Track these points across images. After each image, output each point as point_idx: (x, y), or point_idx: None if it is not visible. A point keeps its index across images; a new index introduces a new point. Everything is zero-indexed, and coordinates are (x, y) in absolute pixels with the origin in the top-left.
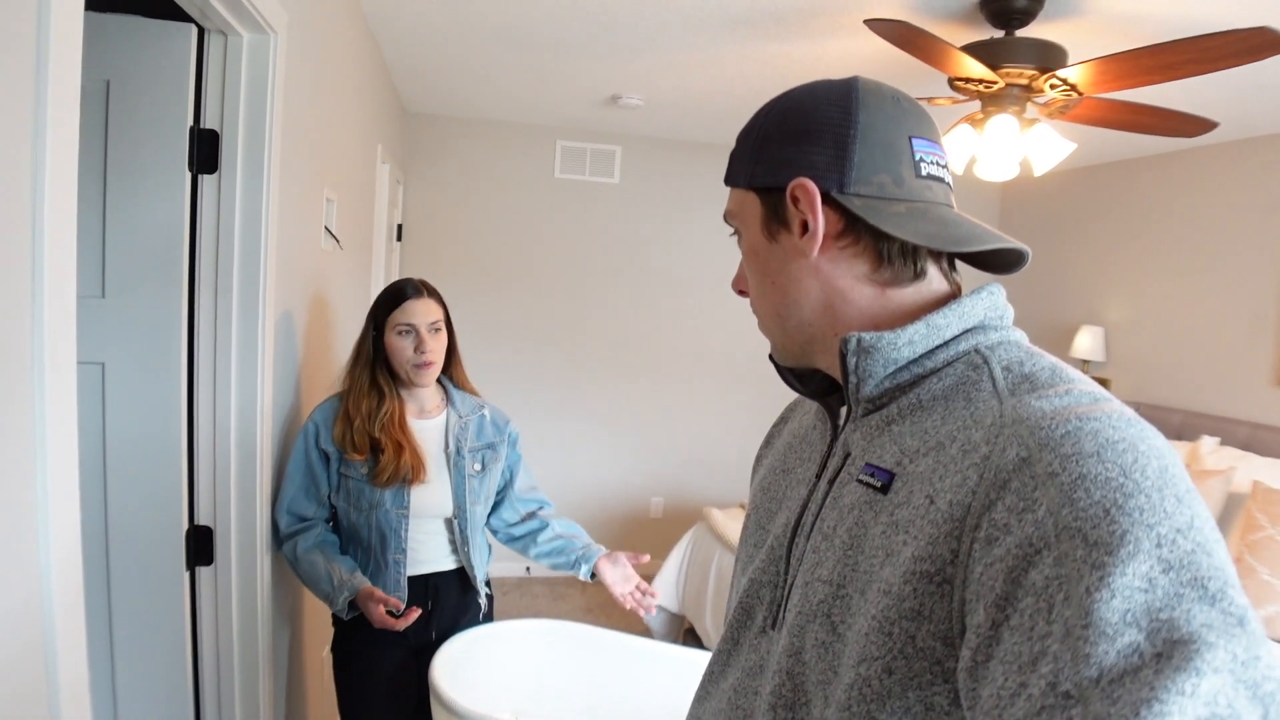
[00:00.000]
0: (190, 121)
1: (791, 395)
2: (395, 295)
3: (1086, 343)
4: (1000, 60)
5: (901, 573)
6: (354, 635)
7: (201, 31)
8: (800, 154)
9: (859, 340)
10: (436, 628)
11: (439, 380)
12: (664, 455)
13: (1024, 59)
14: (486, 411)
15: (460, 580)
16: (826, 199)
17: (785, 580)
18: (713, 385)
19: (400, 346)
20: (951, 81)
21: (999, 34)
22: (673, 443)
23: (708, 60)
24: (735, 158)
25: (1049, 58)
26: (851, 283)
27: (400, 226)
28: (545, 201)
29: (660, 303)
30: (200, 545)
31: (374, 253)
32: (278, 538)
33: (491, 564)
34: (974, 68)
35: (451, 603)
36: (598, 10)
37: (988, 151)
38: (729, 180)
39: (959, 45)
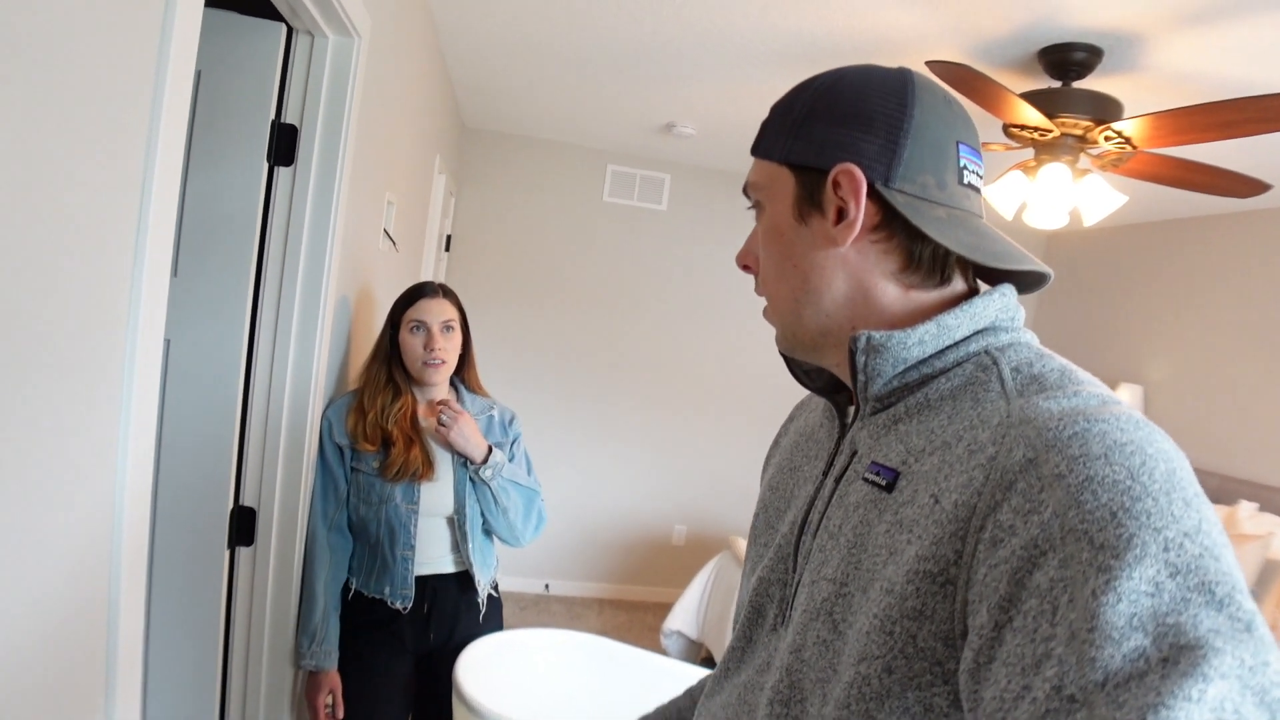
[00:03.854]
0: (272, 115)
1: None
2: (412, 293)
3: (1124, 400)
4: (1056, 109)
5: (905, 572)
6: (353, 638)
7: (290, 31)
8: (849, 138)
9: (869, 338)
10: (434, 631)
11: (451, 381)
12: (689, 483)
13: (1080, 110)
14: (495, 412)
15: (459, 583)
16: (870, 190)
17: (793, 578)
18: (741, 416)
19: (412, 343)
20: (1006, 128)
21: (1056, 84)
22: (699, 471)
23: (762, 93)
24: (770, 129)
25: (1105, 110)
26: (878, 279)
27: (450, 237)
28: (592, 223)
29: (695, 331)
30: (242, 526)
31: (424, 260)
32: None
33: (509, 579)
34: (1031, 115)
35: (449, 606)
36: (661, 41)
37: (1039, 199)
38: (758, 151)
39: (1016, 93)
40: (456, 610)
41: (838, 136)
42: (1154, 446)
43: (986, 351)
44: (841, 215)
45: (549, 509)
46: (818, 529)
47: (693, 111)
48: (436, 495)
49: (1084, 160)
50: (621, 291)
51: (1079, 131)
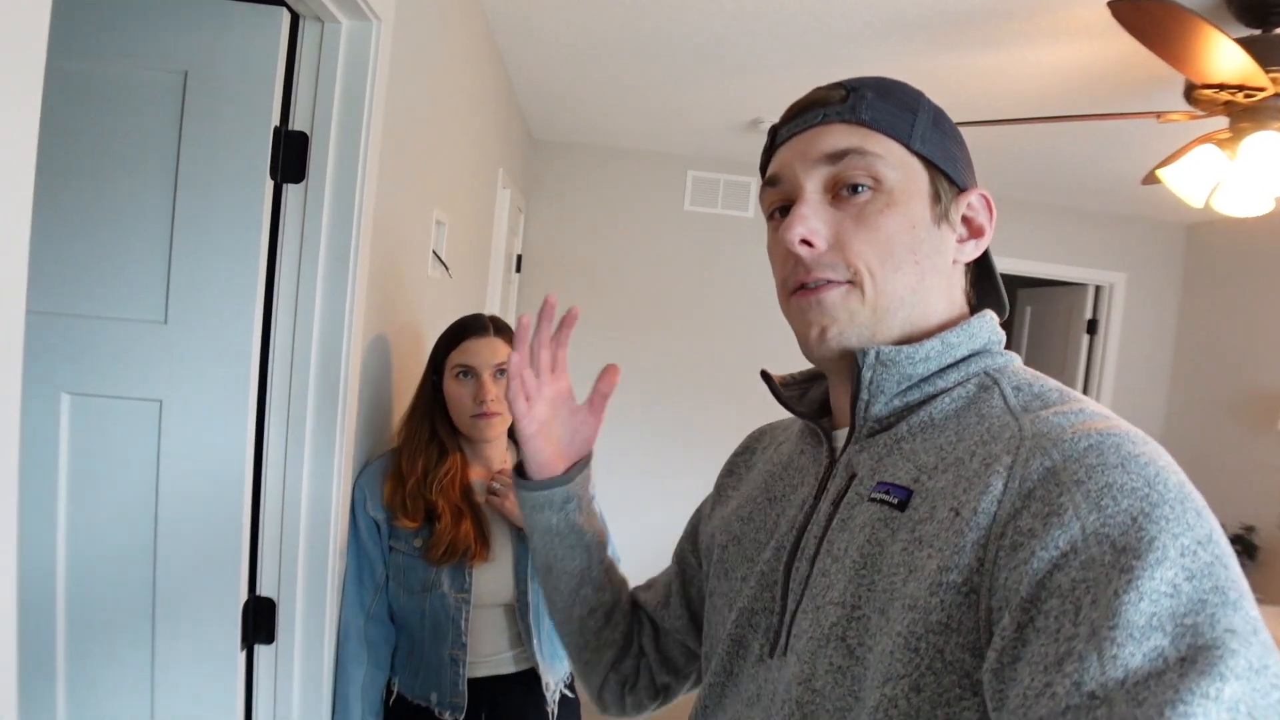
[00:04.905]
0: (276, 121)
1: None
2: (456, 332)
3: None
4: (1263, 63)
5: (927, 585)
6: None
7: (295, 18)
8: (967, 165)
9: (878, 353)
10: None
11: (510, 435)
12: None
13: None
14: None
15: (524, 684)
16: None
17: (782, 606)
18: None
19: (458, 393)
20: (1191, 91)
21: (1254, 32)
22: None
23: (866, 74)
24: (887, 109)
25: None
26: (958, 294)
27: (520, 257)
28: (674, 235)
29: (790, 347)
30: (260, 620)
31: (490, 284)
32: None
33: None
34: (1241, 65)
35: (513, 714)
36: (743, 22)
37: (1240, 179)
38: (881, 126)
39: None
40: (521, 716)
41: (962, 157)
42: (1163, 459)
43: (986, 372)
44: (956, 233)
45: (636, 551)
46: (816, 554)
47: (780, 103)
48: (492, 580)
49: None
50: (707, 307)
51: None
